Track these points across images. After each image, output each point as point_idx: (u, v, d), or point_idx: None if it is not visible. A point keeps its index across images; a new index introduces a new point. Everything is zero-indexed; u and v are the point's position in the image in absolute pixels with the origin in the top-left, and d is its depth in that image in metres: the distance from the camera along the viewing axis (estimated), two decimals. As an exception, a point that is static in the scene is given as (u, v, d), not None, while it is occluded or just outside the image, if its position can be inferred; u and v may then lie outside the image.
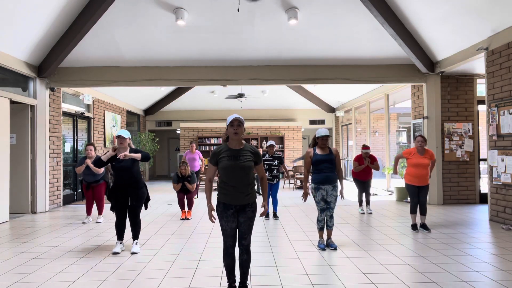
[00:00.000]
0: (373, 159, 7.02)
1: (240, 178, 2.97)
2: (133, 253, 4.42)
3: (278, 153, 6.77)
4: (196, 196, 9.37)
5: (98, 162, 4.45)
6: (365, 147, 7.00)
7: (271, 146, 6.67)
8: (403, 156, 5.58)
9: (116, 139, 4.56)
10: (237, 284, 3.14)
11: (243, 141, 3.11)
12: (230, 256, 3.05)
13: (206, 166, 12.24)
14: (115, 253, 4.41)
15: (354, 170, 7.07)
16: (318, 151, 4.57)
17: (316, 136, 4.60)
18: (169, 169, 17.52)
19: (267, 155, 6.64)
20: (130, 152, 4.52)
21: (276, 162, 6.62)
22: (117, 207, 4.54)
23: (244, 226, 3.04)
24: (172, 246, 4.75)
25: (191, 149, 9.33)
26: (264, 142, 15.00)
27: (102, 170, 6.40)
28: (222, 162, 2.98)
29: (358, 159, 7.01)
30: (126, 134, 4.54)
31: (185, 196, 6.76)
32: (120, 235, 4.57)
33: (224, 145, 3.08)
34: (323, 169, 4.51)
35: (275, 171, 6.63)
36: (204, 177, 11.08)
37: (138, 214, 4.58)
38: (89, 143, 6.53)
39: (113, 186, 4.55)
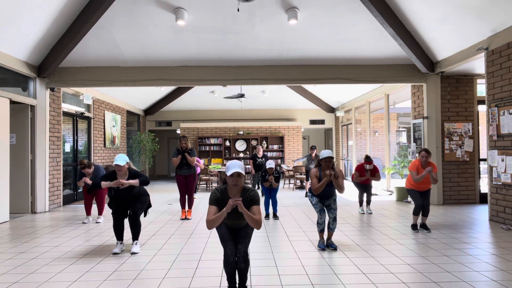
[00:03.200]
0: (374, 171, 6.96)
1: (237, 217, 2.99)
2: (133, 253, 4.42)
3: (276, 172, 6.72)
4: (195, 196, 9.37)
5: (96, 184, 4.52)
6: (368, 161, 6.88)
7: (270, 168, 6.60)
8: (415, 172, 5.39)
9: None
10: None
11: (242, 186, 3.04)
12: (231, 265, 2.99)
13: (206, 165, 12.25)
14: (115, 254, 4.42)
15: (355, 180, 7.07)
16: (323, 174, 4.50)
17: (320, 158, 4.54)
18: (169, 169, 17.51)
19: (267, 176, 6.63)
20: (130, 175, 4.56)
21: (273, 180, 6.63)
22: (115, 213, 4.55)
23: (242, 232, 3.05)
24: (172, 246, 4.75)
25: None
26: (264, 142, 15.00)
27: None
28: (221, 210, 2.95)
29: (360, 170, 6.99)
30: (122, 161, 4.48)
31: (186, 187, 6.72)
32: (119, 236, 4.58)
33: (224, 191, 3.01)
34: (324, 190, 4.51)
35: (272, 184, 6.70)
36: (205, 177, 11.10)
37: (138, 217, 4.58)
38: (83, 165, 6.30)
39: (114, 197, 4.57)
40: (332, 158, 4.47)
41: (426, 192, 5.48)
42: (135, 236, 4.57)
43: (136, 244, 4.54)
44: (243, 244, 3.02)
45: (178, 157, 6.59)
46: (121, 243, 4.56)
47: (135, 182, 4.48)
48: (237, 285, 3.12)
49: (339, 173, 4.50)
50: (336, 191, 4.57)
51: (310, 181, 4.62)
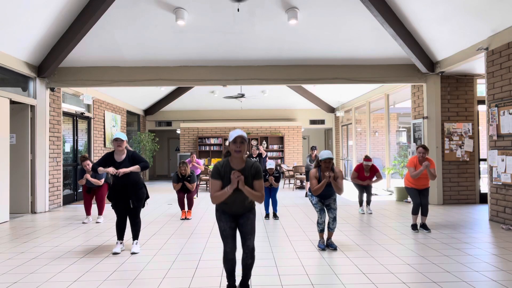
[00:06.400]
0: (374, 171, 6.93)
1: (240, 198, 2.96)
2: (133, 253, 4.42)
3: (277, 172, 6.71)
4: (195, 196, 9.38)
5: (94, 169, 4.51)
6: (367, 158, 6.87)
7: (271, 169, 6.59)
8: (413, 168, 5.42)
9: (113, 142, 4.54)
10: (237, 283, 3.13)
11: (244, 158, 2.99)
12: (230, 262, 2.98)
13: (205, 165, 12.25)
14: (115, 253, 4.41)
15: (352, 180, 7.07)
16: (322, 175, 4.48)
17: (320, 159, 4.51)
18: (169, 169, 17.52)
19: (267, 176, 6.62)
20: (127, 156, 4.53)
21: (273, 180, 6.62)
22: (118, 207, 4.53)
23: (246, 226, 3.00)
24: (172, 246, 4.75)
25: (192, 159, 9.42)
26: (264, 142, 15.00)
27: (102, 181, 6.39)
28: (225, 183, 2.91)
29: (358, 170, 6.97)
30: (123, 136, 4.51)
31: (185, 195, 6.78)
32: (120, 235, 4.57)
33: (226, 162, 2.95)
34: (323, 190, 4.50)
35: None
36: (205, 177, 11.09)
37: (138, 214, 4.58)
38: (84, 157, 6.40)
39: (112, 187, 4.54)
40: (331, 159, 4.44)
41: (424, 190, 5.48)
42: (135, 235, 4.56)
43: (136, 244, 4.53)
44: (251, 240, 3.00)
45: (178, 184, 6.71)
46: (121, 243, 4.55)
47: (135, 168, 4.45)
48: (236, 283, 3.11)
49: (339, 173, 4.47)
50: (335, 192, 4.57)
51: (309, 182, 4.61)
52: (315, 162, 4.66)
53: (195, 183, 6.89)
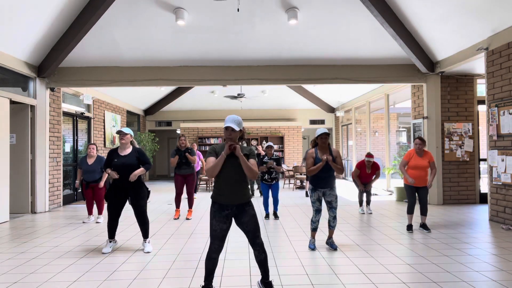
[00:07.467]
0: (375, 168, 6.94)
1: (234, 178, 2.99)
2: (147, 252, 4.42)
3: (277, 154, 6.70)
4: (195, 196, 9.37)
5: (103, 168, 4.54)
6: (369, 155, 6.88)
7: (270, 147, 6.59)
8: (406, 161, 5.51)
9: (118, 136, 4.56)
10: (238, 284, 3.12)
11: (240, 143, 3.10)
12: (212, 261, 3.00)
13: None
14: (104, 253, 4.38)
15: (354, 177, 7.07)
16: (319, 154, 4.46)
17: (316, 135, 4.51)
18: (169, 169, 17.51)
19: (266, 157, 6.63)
20: (134, 151, 4.56)
21: (274, 164, 6.63)
22: (111, 206, 4.48)
23: (250, 225, 3.01)
24: (172, 246, 4.75)
25: None
26: (264, 142, 15.00)
27: (105, 174, 6.42)
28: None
29: (360, 167, 6.98)
30: (127, 130, 4.56)
31: (183, 187, 6.66)
32: (111, 234, 4.54)
33: (222, 144, 3.09)
34: (322, 172, 4.42)
35: (274, 173, 6.64)
36: (204, 177, 11.10)
37: (145, 213, 4.54)
38: (91, 142, 6.55)
39: (112, 185, 4.52)
40: (328, 134, 4.40)
41: (422, 188, 5.45)
42: (145, 234, 4.55)
43: (148, 243, 4.54)
44: (259, 238, 3.05)
45: (175, 157, 6.54)
46: (110, 241, 4.53)
47: (141, 171, 4.49)
48: (213, 284, 3.10)
49: (335, 153, 4.45)
50: (336, 180, 4.53)
51: (306, 161, 4.56)
52: (312, 142, 4.62)
53: (196, 157, 6.68)
